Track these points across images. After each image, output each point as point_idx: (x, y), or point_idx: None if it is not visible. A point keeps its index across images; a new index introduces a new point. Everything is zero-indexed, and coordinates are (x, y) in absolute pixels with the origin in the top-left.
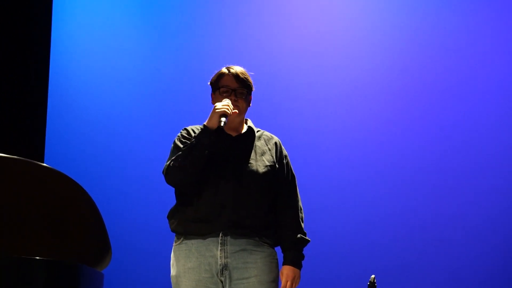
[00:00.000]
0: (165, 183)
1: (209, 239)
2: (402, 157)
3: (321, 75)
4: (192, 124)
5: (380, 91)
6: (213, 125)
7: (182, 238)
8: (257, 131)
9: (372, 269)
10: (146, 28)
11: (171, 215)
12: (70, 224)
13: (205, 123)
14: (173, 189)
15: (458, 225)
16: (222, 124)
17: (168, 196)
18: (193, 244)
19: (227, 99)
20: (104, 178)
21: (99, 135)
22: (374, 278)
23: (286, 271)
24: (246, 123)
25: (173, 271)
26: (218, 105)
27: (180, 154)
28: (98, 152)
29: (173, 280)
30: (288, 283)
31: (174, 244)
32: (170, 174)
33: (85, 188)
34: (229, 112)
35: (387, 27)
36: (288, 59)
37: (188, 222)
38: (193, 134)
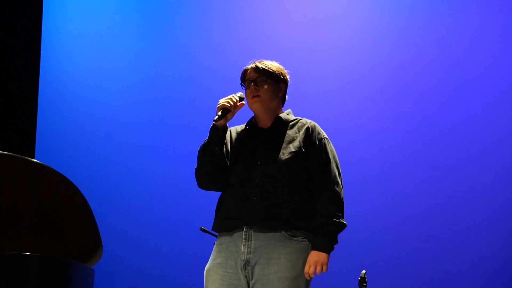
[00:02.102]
0: (155, 178)
1: (236, 234)
2: (394, 153)
3: (321, 75)
4: (191, 124)
5: (379, 90)
6: (215, 120)
7: (219, 235)
8: (294, 120)
9: (362, 265)
10: (138, 25)
11: (215, 215)
12: (61, 220)
13: (213, 120)
14: (162, 184)
15: (450, 222)
16: (216, 117)
17: (160, 191)
18: (225, 240)
19: (238, 93)
20: (95, 174)
21: (89, 132)
22: (365, 273)
23: (309, 256)
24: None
25: (206, 265)
26: (221, 100)
27: (198, 156)
28: (89, 148)
29: (205, 274)
30: (311, 268)
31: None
32: (196, 178)
33: (75, 184)
34: (228, 105)
35: (390, 26)
36: (289, 60)
37: (221, 220)
38: (228, 135)
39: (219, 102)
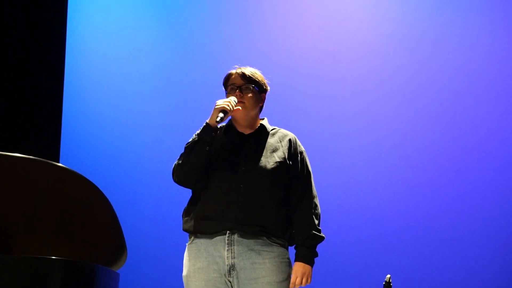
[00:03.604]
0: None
1: (217, 238)
2: (417, 158)
3: (322, 76)
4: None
5: (380, 92)
6: (214, 122)
7: (193, 238)
8: (272, 129)
9: (387, 269)
10: (160, 28)
11: (184, 214)
12: (86, 224)
13: (207, 120)
14: (185, 189)
15: (474, 225)
16: (218, 119)
17: (182, 196)
18: (202, 243)
19: (232, 97)
20: (119, 177)
21: (114, 135)
22: (390, 278)
23: (296, 267)
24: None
25: (184, 271)
26: (219, 101)
27: (184, 152)
28: (113, 152)
29: (184, 280)
30: (298, 279)
31: (187, 244)
32: (175, 173)
33: (100, 188)
34: (228, 108)
35: (389, 26)
36: (291, 60)
37: (198, 221)
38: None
39: (217, 104)
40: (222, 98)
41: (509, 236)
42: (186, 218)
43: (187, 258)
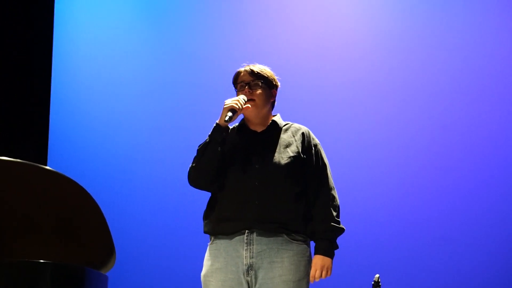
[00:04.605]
0: (168, 183)
1: (236, 238)
2: (407, 155)
3: (321, 75)
4: (197, 125)
5: (379, 91)
6: (223, 121)
7: (213, 238)
8: (285, 124)
9: (376, 268)
10: (148, 29)
11: (203, 217)
12: (75, 227)
13: (217, 120)
14: (175, 191)
15: (463, 224)
16: (227, 118)
17: (171, 197)
18: (222, 244)
19: (241, 95)
20: (107, 180)
21: (102, 137)
22: (379, 277)
23: (315, 260)
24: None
25: (203, 271)
26: (228, 101)
27: (196, 154)
28: (102, 154)
29: (202, 280)
30: (317, 272)
31: (208, 243)
32: (189, 176)
33: (88, 191)
34: (237, 106)
35: (388, 27)
36: (290, 60)
37: (216, 222)
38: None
39: (225, 103)
40: (213, 99)
41: (502, 236)
42: (205, 221)
43: (207, 258)
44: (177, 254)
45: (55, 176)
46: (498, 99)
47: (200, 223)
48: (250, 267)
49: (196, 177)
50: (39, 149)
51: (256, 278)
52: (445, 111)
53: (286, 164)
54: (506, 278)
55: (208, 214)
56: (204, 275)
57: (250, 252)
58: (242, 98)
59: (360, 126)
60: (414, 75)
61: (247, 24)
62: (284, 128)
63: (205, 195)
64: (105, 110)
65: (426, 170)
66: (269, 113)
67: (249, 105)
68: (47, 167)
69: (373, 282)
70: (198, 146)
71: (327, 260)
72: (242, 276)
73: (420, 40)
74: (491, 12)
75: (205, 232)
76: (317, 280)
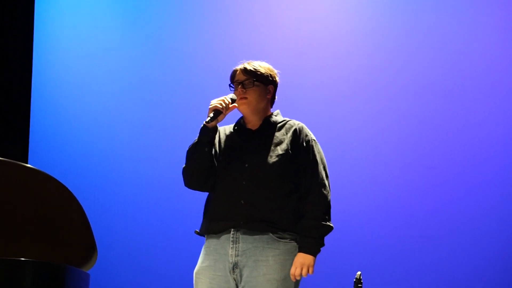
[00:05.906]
0: (149, 181)
1: (223, 237)
2: (392, 154)
3: (321, 74)
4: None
5: (377, 91)
6: (206, 122)
7: (206, 237)
8: (282, 121)
9: (358, 266)
10: (130, 26)
11: (203, 217)
12: (56, 225)
13: (204, 121)
14: (156, 189)
15: (445, 222)
16: (208, 119)
17: (153, 195)
18: (212, 242)
19: (230, 94)
20: (89, 178)
21: (84, 134)
22: (360, 274)
23: (296, 258)
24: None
25: (195, 268)
26: (213, 101)
27: (186, 155)
28: (84, 152)
29: (194, 277)
30: (297, 270)
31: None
32: (183, 177)
33: (70, 189)
34: (221, 107)
35: (386, 26)
36: (289, 59)
37: (208, 222)
38: (217, 135)
39: (211, 103)
40: (204, 96)
41: (485, 235)
42: (202, 220)
43: (200, 256)
44: (171, 252)
45: (36, 174)
46: (497, 99)
47: (194, 222)
48: (235, 265)
49: (187, 178)
50: (19, 146)
51: (241, 276)
52: (438, 109)
53: (273, 163)
54: (490, 276)
55: (204, 213)
56: (196, 273)
57: (235, 250)
58: (229, 97)
59: (349, 125)
60: (412, 72)
61: (246, 19)
62: (279, 125)
63: (196, 193)
64: (86, 107)
65: (413, 169)
66: (267, 110)
67: (235, 105)
68: (28, 165)
69: (354, 280)
70: (188, 147)
71: (308, 257)
72: (229, 274)
73: (419, 37)
74: (491, 12)
75: (200, 232)
76: (297, 278)
